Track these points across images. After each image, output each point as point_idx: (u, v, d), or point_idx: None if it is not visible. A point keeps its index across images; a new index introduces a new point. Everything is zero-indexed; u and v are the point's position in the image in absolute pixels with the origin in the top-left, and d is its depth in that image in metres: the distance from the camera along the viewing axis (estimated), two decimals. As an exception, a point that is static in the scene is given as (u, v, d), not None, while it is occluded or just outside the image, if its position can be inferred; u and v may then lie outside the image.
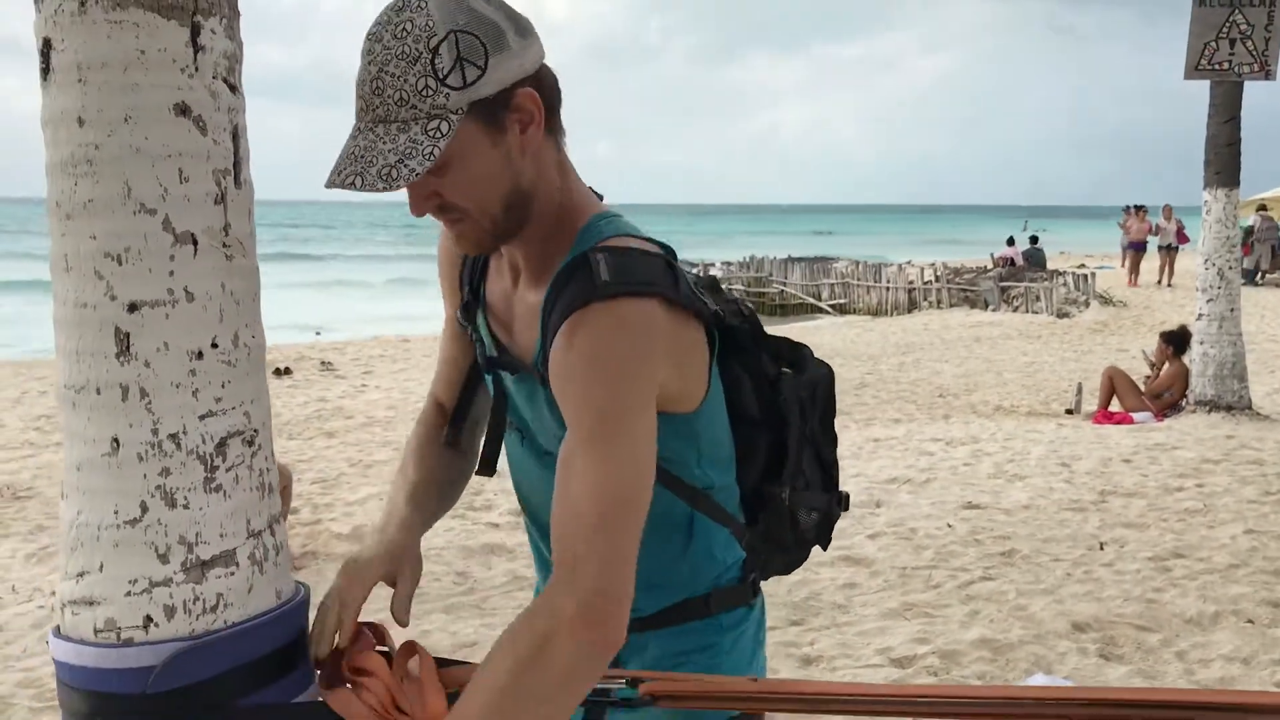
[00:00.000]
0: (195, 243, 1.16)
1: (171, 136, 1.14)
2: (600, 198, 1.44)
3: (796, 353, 1.61)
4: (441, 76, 1.20)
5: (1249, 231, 23.52)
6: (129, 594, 1.16)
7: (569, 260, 1.32)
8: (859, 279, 24.16)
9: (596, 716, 1.38)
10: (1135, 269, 23.73)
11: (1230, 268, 9.23)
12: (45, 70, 1.15)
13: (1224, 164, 9.21)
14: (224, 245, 1.19)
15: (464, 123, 1.22)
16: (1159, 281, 22.93)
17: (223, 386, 1.19)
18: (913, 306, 22.49)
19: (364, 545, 1.43)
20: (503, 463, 1.61)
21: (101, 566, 1.17)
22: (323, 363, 13.43)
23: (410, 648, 1.35)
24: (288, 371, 12.63)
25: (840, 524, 6.02)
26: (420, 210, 1.28)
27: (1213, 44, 8.94)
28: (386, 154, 1.20)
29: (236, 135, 1.21)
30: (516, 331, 1.45)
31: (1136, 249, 23.89)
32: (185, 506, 1.17)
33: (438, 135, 1.20)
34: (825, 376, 1.62)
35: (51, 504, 6.76)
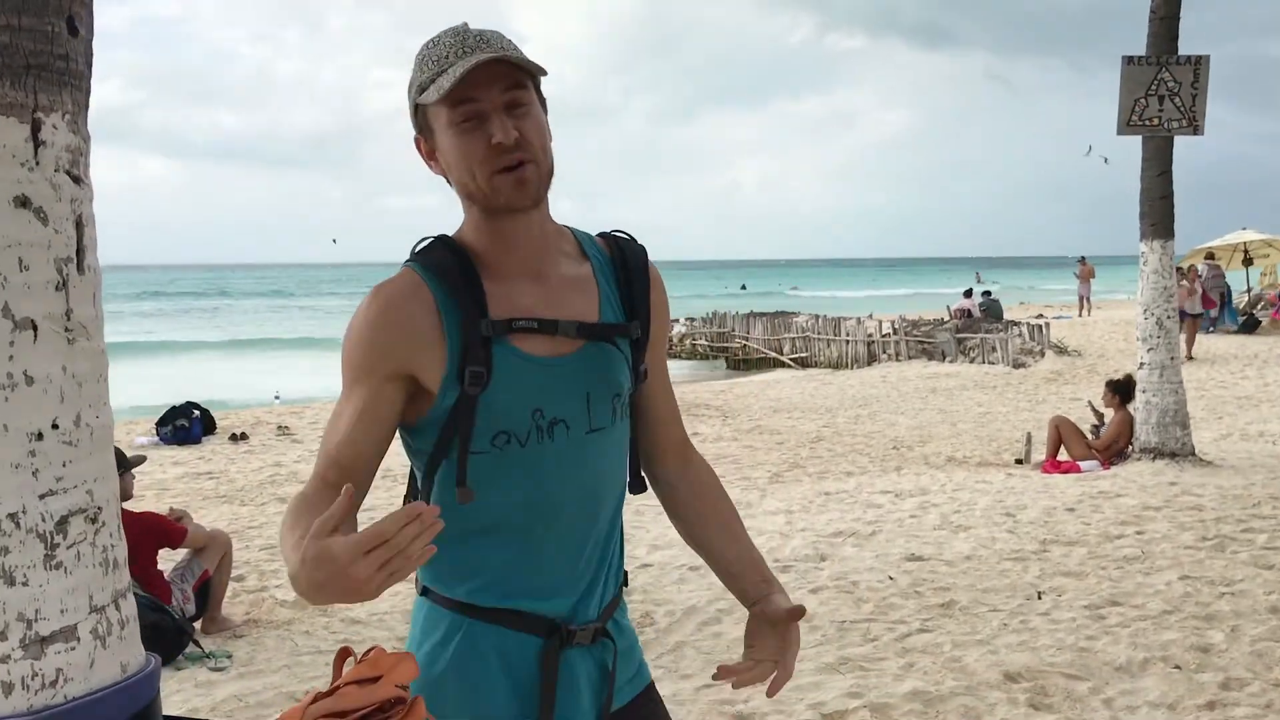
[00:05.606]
0: (35, 328, 1.21)
1: (11, 228, 1.20)
2: None
3: None
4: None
5: (1198, 280, 23.87)
6: (-32, 671, 1.19)
7: (597, 237, 1.77)
8: (819, 333, 24.40)
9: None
10: (1191, 341, 18.78)
11: (1169, 317, 9.42)
12: (-110, 166, 1.21)
13: (1159, 216, 9.44)
14: (66, 330, 1.24)
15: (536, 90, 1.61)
16: (1187, 355, 17.86)
17: (64, 466, 1.23)
18: (872, 359, 22.71)
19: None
20: None
21: (-58, 644, 1.20)
22: (280, 427, 13.36)
23: (345, 652, 1.41)
24: (244, 437, 12.57)
25: (784, 579, 6.03)
26: (510, 134, 1.53)
27: (1143, 100, 9.22)
28: (512, 57, 1.53)
29: (80, 224, 1.26)
30: (566, 305, 1.65)
31: (1194, 318, 19.69)
32: (25, 584, 1.20)
33: (537, 68, 1.57)
34: None
35: None
